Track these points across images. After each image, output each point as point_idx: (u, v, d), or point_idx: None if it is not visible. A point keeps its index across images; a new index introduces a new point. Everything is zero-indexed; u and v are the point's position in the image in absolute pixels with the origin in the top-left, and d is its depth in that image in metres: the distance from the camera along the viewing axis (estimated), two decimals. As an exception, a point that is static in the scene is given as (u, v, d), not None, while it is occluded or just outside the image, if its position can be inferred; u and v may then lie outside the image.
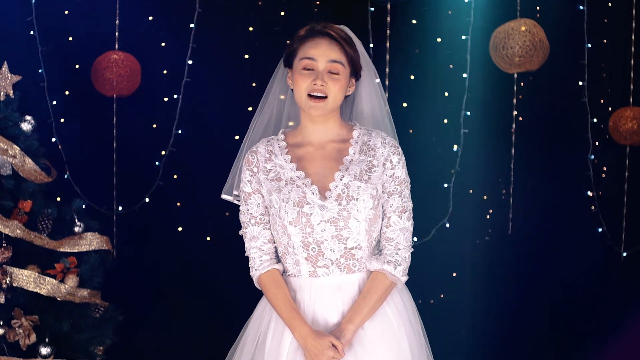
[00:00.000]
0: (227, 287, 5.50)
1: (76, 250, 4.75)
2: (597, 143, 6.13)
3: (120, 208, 5.63)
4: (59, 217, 4.76)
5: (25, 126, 4.71)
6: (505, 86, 5.95)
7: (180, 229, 5.75)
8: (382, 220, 2.92)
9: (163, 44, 5.67)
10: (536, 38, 5.39)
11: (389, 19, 5.84)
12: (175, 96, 5.68)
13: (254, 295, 3.09)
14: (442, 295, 6.00)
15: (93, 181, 5.56)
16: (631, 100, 6.12)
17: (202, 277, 5.64)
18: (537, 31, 5.41)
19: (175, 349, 5.57)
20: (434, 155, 5.93)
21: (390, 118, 3.05)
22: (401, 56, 5.88)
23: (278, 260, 2.96)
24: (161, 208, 5.68)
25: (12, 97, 4.69)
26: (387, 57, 5.83)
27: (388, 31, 5.84)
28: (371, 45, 5.71)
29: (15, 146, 4.64)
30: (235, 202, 3.04)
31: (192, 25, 5.64)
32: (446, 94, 5.96)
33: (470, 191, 6.02)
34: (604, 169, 6.22)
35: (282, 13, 5.75)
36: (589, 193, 6.13)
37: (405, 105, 5.85)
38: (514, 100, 5.98)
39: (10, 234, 4.55)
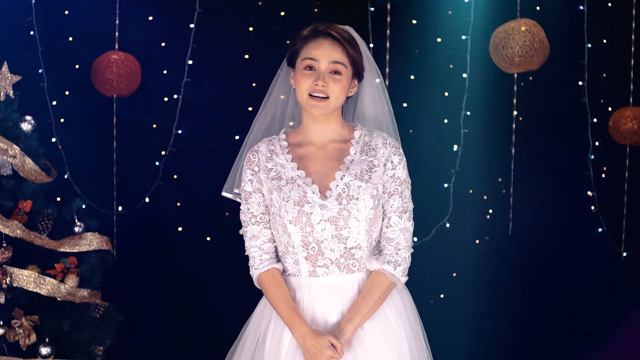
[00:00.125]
0: (227, 287, 5.51)
1: (76, 250, 4.75)
2: (597, 143, 6.13)
3: (120, 208, 5.63)
4: (59, 217, 4.76)
5: (25, 126, 4.71)
6: (506, 86, 5.95)
7: (180, 229, 5.75)
8: (383, 220, 2.92)
9: (163, 44, 5.67)
10: (536, 38, 5.39)
11: (389, 19, 5.84)
12: (175, 96, 5.68)
13: (253, 295, 3.09)
14: (442, 296, 6.00)
15: (93, 181, 5.56)
16: (631, 100, 6.12)
17: (202, 277, 5.64)
18: (537, 31, 5.41)
19: (175, 349, 5.57)
20: (434, 155, 5.93)
21: (392, 119, 3.06)
22: (401, 56, 5.88)
23: (278, 259, 2.96)
24: (161, 208, 5.68)
25: (12, 97, 4.70)
26: (387, 57, 5.83)
27: (388, 31, 5.84)
28: (371, 45, 5.71)
29: (15, 146, 4.64)
30: (237, 200, 3.04)
31: (192, 25, 5.64)
32: (446, 94, 5.96)
33: (470, 191, 6.02)
34: (604, 169, 6.22)
35: (282, 13, 5.75)
36: (589, 193, 6.13)
37: (405, 105, 5.85)
38: (514, 100, 5.98)
39: (10, 234, 4.56)
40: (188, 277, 5.65)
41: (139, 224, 5.65)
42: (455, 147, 5.93)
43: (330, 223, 2.84)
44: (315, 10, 5.74)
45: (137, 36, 5.55)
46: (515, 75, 5.89)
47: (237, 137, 5.57)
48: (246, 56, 5.74)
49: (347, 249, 2.86)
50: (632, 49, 6.13)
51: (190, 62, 5.65)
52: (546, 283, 6.03)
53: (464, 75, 5.89)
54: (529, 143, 6.03)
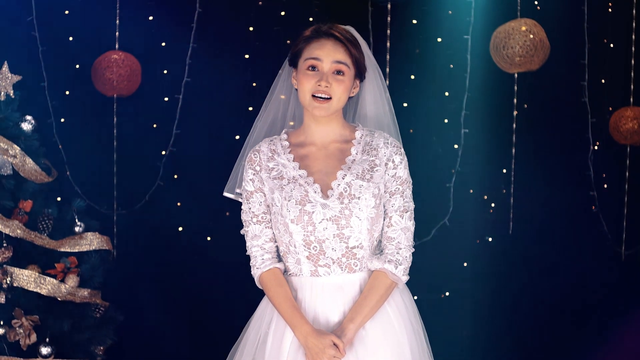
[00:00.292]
0: (228, 287, 5.50)
1: (76, 250, 4.75)
2: (597, 143, 6.13)
3: (120, 208, 5.63)
4: (59, 217, 4.76)
5: (26, 126, 4.71)
6: (506, 86, 5.95)
7: (180, 228, 5.74)
8: (384, 220, 2.92)
9: (163, 44, 5.67)
10: (537, 38, 5.39)
11: (389, 18, 5.84)
12: (175, 96, 5.67)
13: (254, 295, 3.09)
14: (442, 295, 6.00)
15: (93, 181, 5.56)
16: (631, 100, 6.12)
17: (202, 277, 5.64)
18: (537, 31, 5.41)
19: (175, 349, 5.57)
20: (435, 155, 5.93)
21: (394, 119, 3.06)
22: (401, 56, 5.88)
23: (279, 259, 2.96)
24: (161, 208, 5.68)
25: (13, 97, 4.70)
26: (387, 57, 5.83)
27: (388, 31, 5.84)
28: (371, 45, 5.71)
29: (15, 146, 4.64)
30: (238, 199, 3.04)
31: (192, 25, 5.64)
32: (446, 93, 5.96)
33: (471, 191, 6.02)
34: (605, 168, 6.22)
35: (282, 13, 5.75)
36: (590, 193, 6.13)
37: (405, 105, 5.85)
38: (514, 100, 5.98)
39: (10, 234, 4.56)
40: (188, 277, 5.65)
41: (139, 224, 5.65)
42: (455, 147, 5.93)
43: (332, 222, 2.84)
44: (316, 10, 5.74)
45: (137, 36, 5.55)
46: (516, 75, 5.89)
47: (237, 137, 5.57)
48: (246, 56, 5.74)
49: (348, 249, 2.86)
50: (633, 48, 6.13)
51: (190, 62, 5.65)
52: (546, 282, 6.03)
53: (465, 75, 5.89)
54: (530, 143, 6.03)
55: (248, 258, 2.99)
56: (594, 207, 6.15)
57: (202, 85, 5.69)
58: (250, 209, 2.95)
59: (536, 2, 5.90)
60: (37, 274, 4.56)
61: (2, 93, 4.67)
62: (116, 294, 4.99)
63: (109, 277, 4.92)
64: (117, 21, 5.52)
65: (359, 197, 2.85)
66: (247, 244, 2.98)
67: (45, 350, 4.51)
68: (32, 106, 4.93)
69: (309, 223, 2.84)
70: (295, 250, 2.88)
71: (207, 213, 5.68)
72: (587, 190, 6.13)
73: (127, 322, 5.01)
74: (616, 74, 6.20)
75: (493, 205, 6.08)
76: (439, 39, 5.93)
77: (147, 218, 5.67)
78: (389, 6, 5.82)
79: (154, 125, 5.72)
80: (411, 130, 5.86)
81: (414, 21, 5.92)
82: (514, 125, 6.00)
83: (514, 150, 6.01)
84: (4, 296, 4.50)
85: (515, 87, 5.96)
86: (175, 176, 5.73)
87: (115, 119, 5.60)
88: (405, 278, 2.91)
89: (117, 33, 5.51)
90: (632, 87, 6.13)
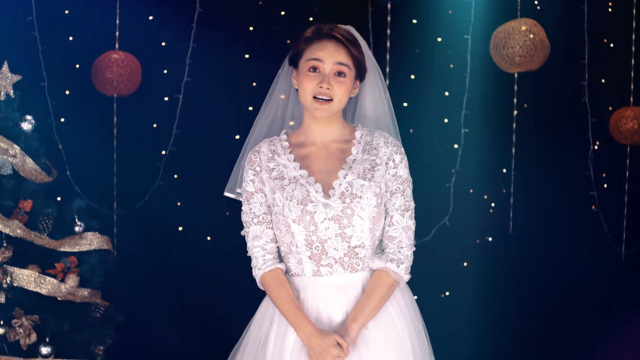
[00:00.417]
0: (228, 287, 5.50)
1: (76, 250, 4.75)
2: (597, 143, 6.13)
3: (120, 208, 5.63)
4: (59, 216, 4.76)
5: (26, 126, 4.71)
6: (506, 86, 5.95)
7: (180, 228, 5.74)
8: (385, 219, 2.92)
9: (163, 44, 5.67)
10: (537, 38, 5.39)
11: (389, 18, 5.84)
12: (175, 96, 5.67)
13: (255, 296, 3.09)
14: (442, 295, 6.00)
15: (93, 181, 5.56)
16: (632, 99, 6.12)
17: (202, 277, 5.64)
18: (537, 31, 5.42)
19: (175, 349, 5.57)
20: (435, 155, 5.92)
21: (393, 119, 3.07)
22: (401, 56, 5.88)
23: (281, 259, 2.96)
24: (161, 208, 5.68)
25: (13, 96, 4.70)
26: (387, 57, 5.83)
27: (388, 31, 5.84)
28: (371, 45, 5.70)
29: (15, 146, 4.64)
30: (239, 199, 3.04)
31: (192, 25, 5.64)
32: (447, 93, 5.96)
33: (471, 190, 6.02)
34: (605, 168, 6.22)
35: (282, 13, 5.75)
36: (590, 193, 6.13)
37: (405, 105, 5.85)
38: (514, 100, 5.98)
39: (10, 234, 4.56)
40: (188, 277, 5.65)
41: (139, 224, 5.65)
42: (455, 147, 5.93)
43: (334, 222, 2.84)
44: (316, 9, 5.74)
45: (137, 36, 5.55)
46: (516, 75, 5.89)
47: (237, 137, 5.57)
48: (246, 56, 5.74)
49: (350, 248, 2.86)
50: (633, 48, 6.13)
51: (190, 61, 5.65)
52: (547, 282, 6.03)
53: (465, 74, 5.89)
54: (530, 143, 6.03)
55: (248, 258, 2.99)
56: (594, 207, 6.15)
57: (202, 85, 5.69)
58: (251, 209, 2.95)
59: (536, 2, 5.90)
60: (37, 273, 4.56)
61: (2, 93, 4.67)
62: (116, 294, 4.98)
63: (109, 277, 4.92)
64: (117, 21, 5.52)
65: (361, 196, 2.85)
66: (248, 245, 2.98)
67: (45, 350, 4.51)
68: (32, 106, 4.93)
69: (310, 223, 2.84)
70: (297, 250, 2.88)
71: (207, 213, 5.67)
72: (587, 190, 6.14)
73: (127, 322, 5.01)
74: (616, 74, 6.20)
75: (493, 205, 6.08)
76: (439, 39, 5.93)
77: (147, 218, 5.67)
78: (389, 6, 5.82)
79: (154, 125, 5.72)
80: (411, 130, 5.86)
81: (414, 21, 5.92)
82: (514, 125, 6.01)
83: (514, 150, 6.01)
84: (4, 296, 4.50)
85: (515, 87, 5.96)
86: (175, 176, 5.73)
87: (115, 119, 5.60)
88: (407, 277, 2.92)
89: (117, 33, 5.51)
90: (632, 87, 6.13)
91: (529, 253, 6.01)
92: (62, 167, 5.37)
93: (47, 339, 4.52)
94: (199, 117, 5.69)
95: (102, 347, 4.79)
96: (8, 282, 4.50)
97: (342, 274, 2.87)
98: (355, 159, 2.92)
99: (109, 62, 5.27)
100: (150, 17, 5.63)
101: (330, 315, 2.86)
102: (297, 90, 2.98)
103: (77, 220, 4.80)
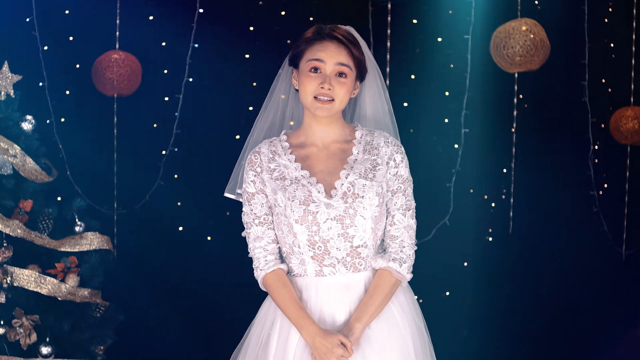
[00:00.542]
0: (228, 287, 5.51)
1: (77, 250, 4.75)
2: (598, 143, 6.13)
3: (120, 208, 5.63)
4: (59, 216, 4.76)
5: (26, 126, 4.71)
6: (506, 86, 5.95)
7: (180, 228, 5.74)
8: (386, 218, 2.93)
9: (164, 44, 5.67)
10: (537, 38, 5.39)
11: (389, 18, 5.84)
12: (175, 96, 5.67)
13: (255, 296, 3.09)
14: (442, 295, 6.00)
15: (93, 181, 5.56)
16: (632, 99, 6.12)
17: (202, 276, 5.64)
18: (537, 31, 5.42)
19: (175, 349, 5.57)
20: (435, 155, 5.93)
21: (393, 119, 3.07)
22: (402, 56, 5.88)
23: (282, 260, 2.96)
24: (162, 208, 5.68)
25: (13, 96, 4.70)
26: (387, 57, 5.83)
27: (388, 31, 5.84)
28: (371, 45, 5.70)
29: (15, 146, 4.64)
30: (239, 200, 3.04)
31: (192, 25, 5.64)
32: (447, 93, 5.96)
33: (471, 190, 6.02)
34: (605, 168, 6.22)
35: (283, 13, 5.75)
36: (590, 193, 6.13)
37: (405, 105, 5.85)
38: (515, 100, 5.98)
39: (11, 234, 4.56)
40: (188, 277, 5.65)
41: (140, 224, 5.65)
42: (455, 147, 5.93)
43: (336, 222, 2.84)
44: (316, 9, 5.74)
45: (137, 36, 5.55)
46: (516, 75, 5.89)
47: (237, 137, 5.57)
48: (247, 56, 5.74)
49: (353, 248, 2.87)
50: (633, 48, 6.13)
51: (190, 61, 5.65)
52: (547, 282, 6.03)
53: (465, 74, 5.89)
54: (530, 143, 6.03)
55: (249, 258, 2.99)
56: (594, 207, 6.15)
57: (202, 85, 5.69)
58: (252, 210, 2.95)
59: (536, 2, 5.91)
60: (37, 273, 4.56)
61: (2, 93, 4.67)
62: (116, 293, 4.99)
63: (109, 277, 4.92)
64: (117, 21, 5.52)
65: (363, 196, 2.86)
66: (249, 246, 2.97)
67: (45, 350, 4.51)
68: (32, 106, 4.93)
69: (313, 223, 2.84)
70: (299, 250, 2.88)
71: (207, 213, 5.67)
72: (587, 190, 6.14)
73: (127, 322, 5.01)
74: (616, 74, 6.20)
75: (493, 205, 6.08)
76: (439, 39, 5.93)
77: (147, 218, 5.67)
78: (389, 6, 5.82)
79: (154, 125, 5.71)
80: (411, 130, 5.86)
81: (414, 21, 5.92)
82: (514, 125, 6.01)
83: (514, 150, 6.01)
84: (4, 296, 4.50)
85: (515, 87, 5.96)
86: (175, 176, 5.73)
87: (115, 119, 5.60)
88: (409, 276, 2.92)
89: (117, 33, 5.51)
90: (632, 86, 6.13)
91: (529, 253, 6.02)
92: (62, 167, 5.37)
93: (48, 339, 4.53)
94: (199, 117, 5.69)
95: (102, 347, 4.79)
96: (8, 282, 4.50)
97: (345, 274, 2.87)
98: (356, 159, 2.93)
99: (109, 62, 5.27)
100: (150, 17, 5.63)
101: (333, 315, 2.86)
102: (297, 90, 2.98)
103: (77, 220, 4.80)
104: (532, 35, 5.39)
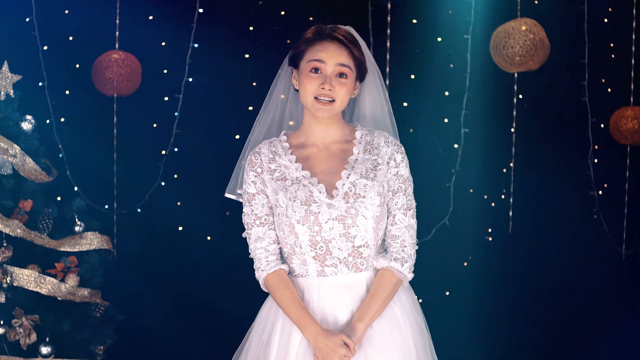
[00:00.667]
0: (228, 287, 5.51)
1: (77, 250, 4.75)
2: (598, 142, 6.13)
3: (120, 208, 5.63)
4: (59, 216, 4.76)
5: (26, 126, 4.72)
6: (506, 86, 5.95)
7: (180, 228, 5.74)
8: (387, 218, 2.93)
9: (163, 44, 5.67)
10: (537, 37, 5.39)
11: (389, 18, 5.84)
12: (175, 96, 5.67)
13: (256, 296, 3.08)
14: (442, 295, 6.00)
15: (93, 181, 5.56)
16: (632, 99, 6.12)
17: (202, 277, 5.64)
18: (537, 31, 5.42)
19: (175, 349, 5.57)
20: (435, 155, 5.92)
21: (392, 119, 3.07)
22: (401, 56, 5.88)
23: (283, 260, 2.96)
24: (162, 208, 5.68)
25: (13, 96, 4.70)
26: (387, 56, 5.83)
27: (388, 31, 5.84)
28: (371, 45, 5.71)
29: (15, 146, 4.65)
30: (240, 200, 3.04)
31: (192, 25, 5.64)
32: (446, 93, 5.96)
33: (471, 190, 6.02)
34: (605, 168, 6.21)
35: (283, 12, 5.75)
36: (590, 193, 6.13)
37: (405, 104, 5.85)
38: (514, 100, 5.98)
39: (10, 234, 4.56)
40: (188, 277, 5.65)
41: (139, 224, 5.65)
42: (455, 147, 5.93)
43: (338, 222, 2.84)
44: (316, 9, 5.74)
45: (137, 36, 5.55)
46: (516, 75, 5.89)
47: (237, 137, 5.57)
48: (246, 56, 5.74)
49: (355, 248, 2.87)
50: (633, 48, 6.13)
51: (190, 61, 5.65)
52: (546, 282, 6.03)
53: (465, 74, 5.89)
54: (529, 142, 6.03)
55: (249, 259, 2.99)
56: (594, 207, 6.15)
57: (202, 85, 5.69)
58: (252, 211, 2.95)
59: (536, 2, 5.91)
60: (37, 273, 4.57)
61: (2, 93, 4.67)
62: (116, 293, 4.99)
63: (109, 277, 4.92)
64: (117, 21, 5.52)
65: (365, 195, 2.86)
66: (250, 247, 2.97)
67: (45, 349, 4.52)
68: (32, 106, 4.93)
69: (315, 223, 2.84)
70: (301, 250, 2.88)
71: (207, 213, 5.68)
72: (587, 190, 6.13)
73: (127, 322, 5.01)
74: (616, 74, 6.20)
75: (493, 205, 6.08)
76: (439, 39, 5.93)
77: (147, 218, 5.67)
78: (389, 6, 5.82)
79: (154, 125, 5.71)
80: (411, 130, 5.86)
81: (414, 21, 5.92)
82: (514, 125, 6.01)
83: (513, 150, 6.01)
84: (4, 296, 4.50)
85: (515, 87, 5.96)
86: (175, 176, 5.73)
87: (115, 119, 5.60)
88: (411, 275, 2.93)
89: (117, 33, 5.51)
90: (632, 86, 6.13)
91: (529, 253, 6.02)
92: (62, 167, 5.38)
93: (47, 339, 4.53)
94: (199, 117, 5.69)
95: (102, 347, 4.79)
96: (8, 282, 4.50)
97: (347, 274, 2.88)
98: (357, 159, 2.93)
99: (109, 62, 5.27)
100: (150, 17, 5.63)
101: (335, 315, 2.86)
102: (296, 90, 2.98)
103: (77, 220, 4.81)
104: (531, 35, 5.39)
